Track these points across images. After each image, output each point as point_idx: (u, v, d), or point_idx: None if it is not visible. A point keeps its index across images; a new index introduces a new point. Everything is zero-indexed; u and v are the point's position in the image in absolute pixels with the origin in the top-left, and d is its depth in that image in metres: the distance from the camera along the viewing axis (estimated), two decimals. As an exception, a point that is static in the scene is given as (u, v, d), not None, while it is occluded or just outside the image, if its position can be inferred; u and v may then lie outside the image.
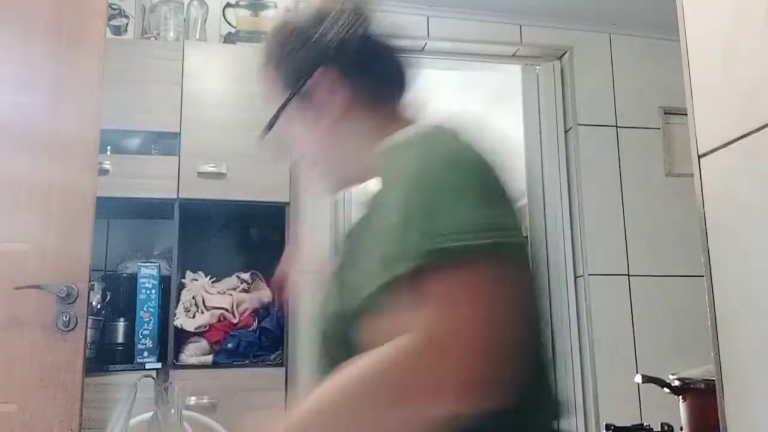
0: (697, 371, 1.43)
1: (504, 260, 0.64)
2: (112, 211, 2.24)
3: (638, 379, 1.54)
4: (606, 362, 2.63)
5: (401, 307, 0.62)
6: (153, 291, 2.12)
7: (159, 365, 2.05)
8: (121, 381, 1.92)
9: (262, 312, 2.24)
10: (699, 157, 1.07)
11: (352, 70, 0.87)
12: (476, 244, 0.62)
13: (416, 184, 0.67)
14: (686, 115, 1.10)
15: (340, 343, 0.71)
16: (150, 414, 1.75)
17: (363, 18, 0.88)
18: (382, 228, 0.68)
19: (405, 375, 0.60)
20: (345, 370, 0.63)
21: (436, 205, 0.65)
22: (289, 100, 0.88)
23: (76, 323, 1.59)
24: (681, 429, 1.46)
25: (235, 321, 2.18)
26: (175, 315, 2.12)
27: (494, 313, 0.63)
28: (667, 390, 1.46)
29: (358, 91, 0.87)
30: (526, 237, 0.79)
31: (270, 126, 0.90)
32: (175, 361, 2.08)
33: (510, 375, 0.63)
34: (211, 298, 2.19)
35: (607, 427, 1.58)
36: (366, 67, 0.87)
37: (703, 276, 1.05)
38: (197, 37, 2.39)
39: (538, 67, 2.92)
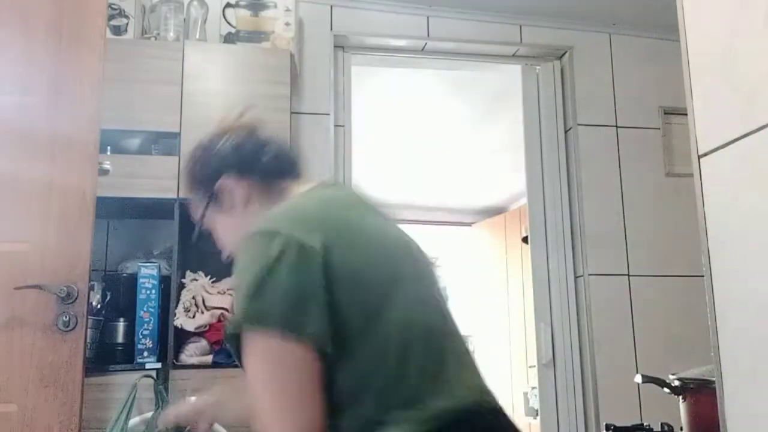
0: (697, 371, 1.43)
1: (290, 334, 0.86)
2: (112, 211, 2.23)
3: (638, 379, 1.54)
4: (606, 362, 2.63)
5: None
6: (153, 291, 2.11)
7: (159, 365, 2.04)
8: (121, 381, 1.92)
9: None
10: (699, 157, 1.07)
11: (246, 169, 1.13)
12: (266, 324, 0.87)
13: (238, 278, 0.92)
14: (686, 115, 1.11)
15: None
16: (150, 414, 1.75)
17: (250, 131, 1.15)
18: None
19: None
20: None
21: (243, 295, 0.89)
22: (207, 205, 1.15)
23: (76, 323, 1.59)
24: (681, 429, 1.47)
25: (235, 321, 2.18)
26: (175, 315, 2.12)
27: (280, 374, 0.88)
28: (667, 390, 1.46)
29: (253, 184, 1.13)
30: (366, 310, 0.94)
31: (199, 227, 1.19)
32: (175, 361, 2.08)
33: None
34: (211, 298, 2.18)
35: (607, 427, 1.58)
36: (256, 165, 1.13)
37: (703, 276, 1.05)
38: (197, 37, 2.39)
39: (538, 67, 2.92)
